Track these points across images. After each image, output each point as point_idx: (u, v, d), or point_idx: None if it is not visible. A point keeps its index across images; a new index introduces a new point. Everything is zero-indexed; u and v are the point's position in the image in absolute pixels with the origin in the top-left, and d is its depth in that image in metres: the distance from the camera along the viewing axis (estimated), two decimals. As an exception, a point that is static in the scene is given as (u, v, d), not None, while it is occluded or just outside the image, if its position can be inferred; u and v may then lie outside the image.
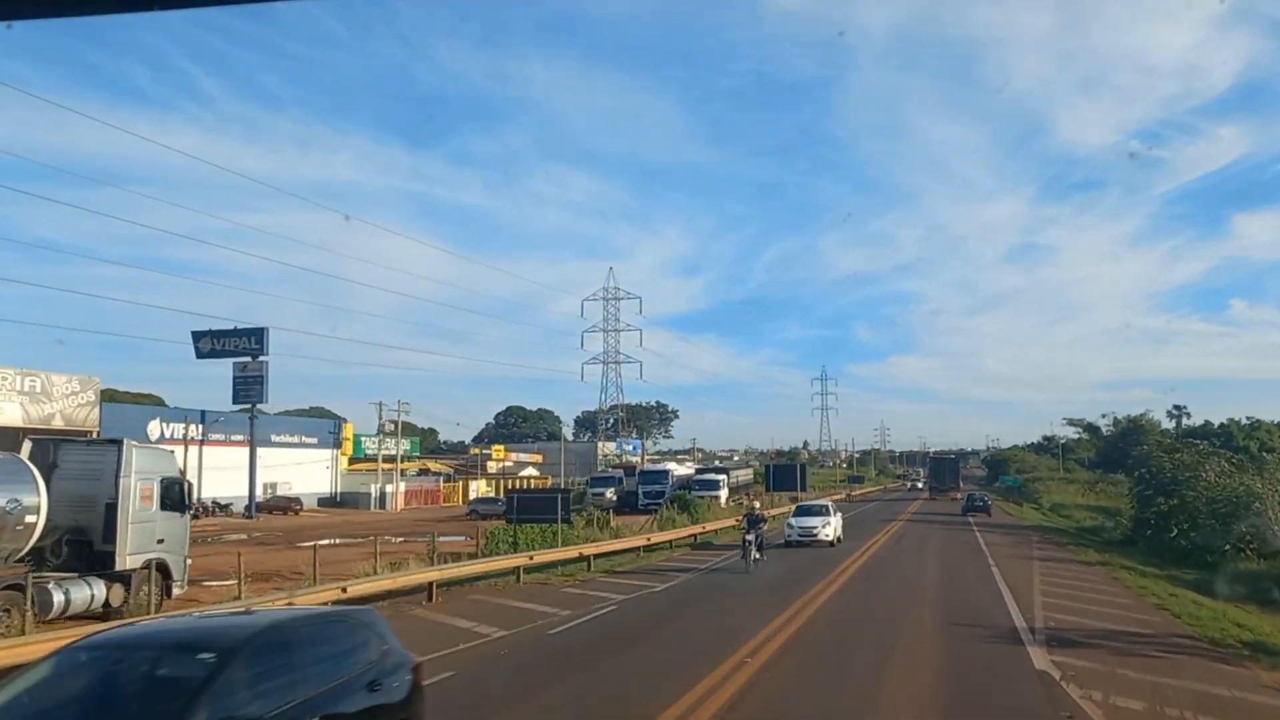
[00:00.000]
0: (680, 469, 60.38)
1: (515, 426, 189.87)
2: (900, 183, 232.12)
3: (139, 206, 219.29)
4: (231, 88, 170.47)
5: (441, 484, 68.00)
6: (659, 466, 59.02)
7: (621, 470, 60.36)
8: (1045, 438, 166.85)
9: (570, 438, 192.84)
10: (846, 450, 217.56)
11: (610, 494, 54.72)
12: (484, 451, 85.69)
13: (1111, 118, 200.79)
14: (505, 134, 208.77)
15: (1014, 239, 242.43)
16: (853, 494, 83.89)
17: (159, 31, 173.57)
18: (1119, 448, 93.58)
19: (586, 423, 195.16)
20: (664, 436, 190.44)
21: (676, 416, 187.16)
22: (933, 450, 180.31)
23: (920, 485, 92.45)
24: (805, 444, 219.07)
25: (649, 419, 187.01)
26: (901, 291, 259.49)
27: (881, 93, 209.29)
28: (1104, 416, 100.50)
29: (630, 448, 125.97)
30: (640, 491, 53.80)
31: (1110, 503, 69.14)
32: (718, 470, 59.68)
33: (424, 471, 69.51)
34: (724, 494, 53.29)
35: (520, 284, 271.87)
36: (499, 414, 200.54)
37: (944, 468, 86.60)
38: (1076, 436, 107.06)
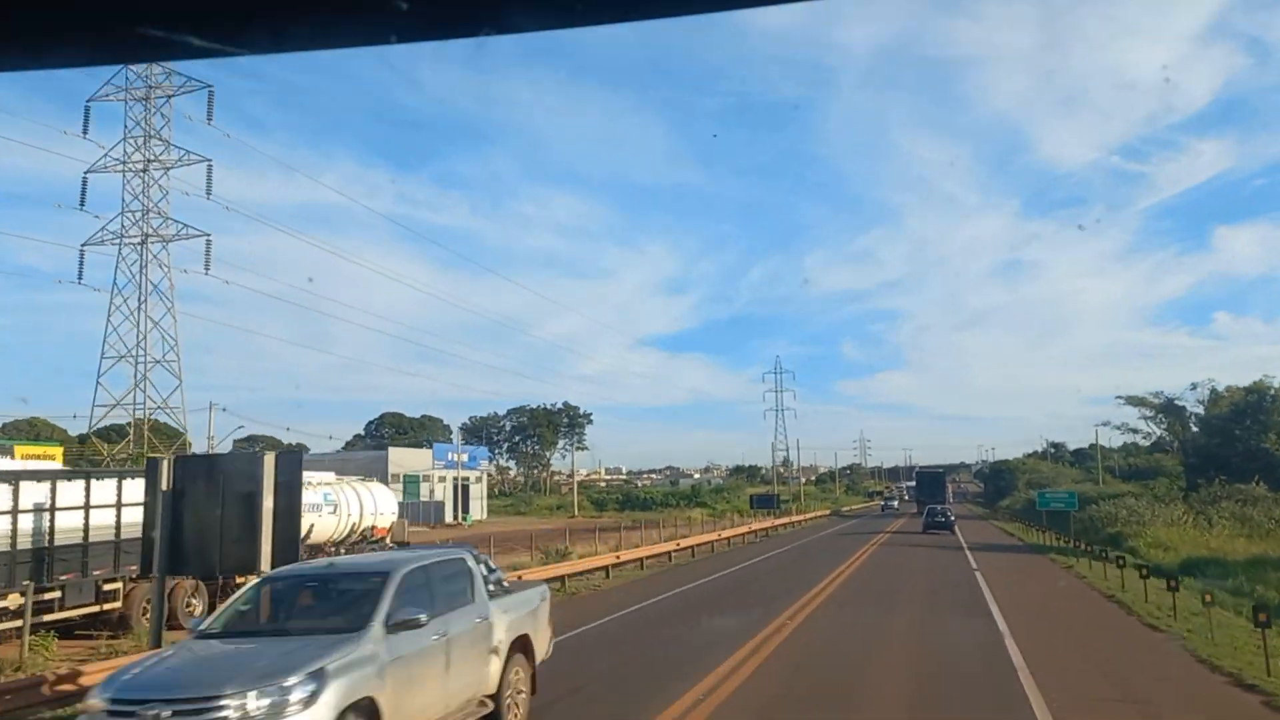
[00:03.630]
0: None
1: (388, 437, 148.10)
2: (884, 200, 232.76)
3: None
4: (216, 112, 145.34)
5: None
6: None
7: None
8: (1052, 444, 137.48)
9: (459, 443, 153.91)
10: (804, 463, 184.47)
11: None
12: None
13: (1093, 134, 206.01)
14: (490, 156, 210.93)
15: (998, 255, 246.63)
16: (739, 531, 43.34)
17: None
18: (1232, 434, 53.03)
19: (476, 430, 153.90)
20: (576, 448, 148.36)
21: (589, 421, 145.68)
22: (918, 465, 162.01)
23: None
24: (787, 460, 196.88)
25: (552, 425, 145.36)
26: (888, 309, 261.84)
27: (864, 112, 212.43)
28: (1194, 388, 60.52)
29: (468, 458, 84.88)
30: None
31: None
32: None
33: None
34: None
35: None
36: (370, 423, 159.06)
37: (931, 482, 78.51)
38: (1138, 429, 66.42)
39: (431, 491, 73.29)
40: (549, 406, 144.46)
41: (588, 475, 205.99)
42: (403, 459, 74.15)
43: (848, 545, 40.24)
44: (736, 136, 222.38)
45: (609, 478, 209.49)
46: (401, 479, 73.66)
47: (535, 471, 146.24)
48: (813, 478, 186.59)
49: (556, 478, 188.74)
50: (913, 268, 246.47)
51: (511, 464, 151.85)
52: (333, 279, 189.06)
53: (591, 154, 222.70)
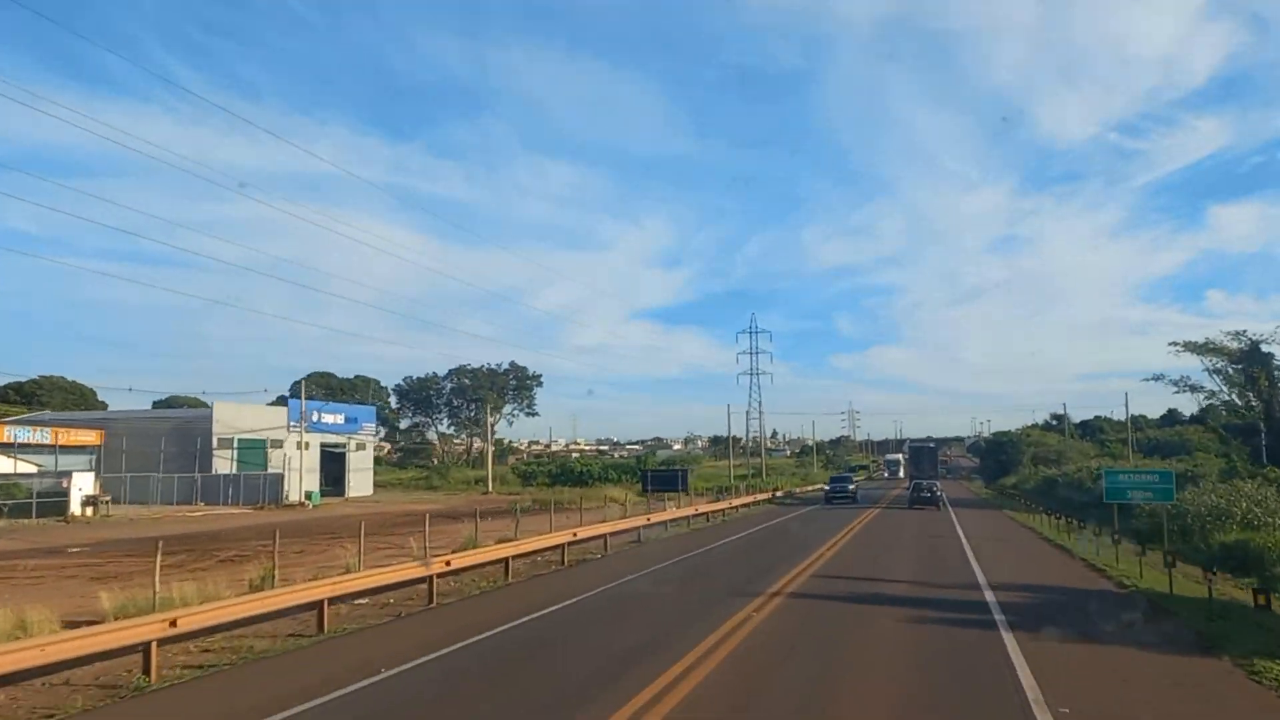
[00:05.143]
0: None
1: (313, 398, 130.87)
2: (882, 174, 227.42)
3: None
4: (209, 77, 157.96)
5: None
6: None
7: None
8: (1054, 415, 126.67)
9: (395, 406, 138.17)
10: (792, 435, 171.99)
11: None
12: None
13: (1092, 109, 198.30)
14: (486, 124, 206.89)
15: (995, 230, 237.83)
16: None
17: (136, 20, 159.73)
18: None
19: (412, 393, 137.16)
20: (525, 413, 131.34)
21: (539, 384, 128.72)
22: (908, 438, 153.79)
23: None
24: (774, 432, 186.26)
25: (497, 387, 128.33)
26: (883, 283, 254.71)
27: (863, 84, 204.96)
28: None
29: (343, 419, 68.37)
30: None
31: None
32: None
33: None
34: None
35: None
36: (295, 383, 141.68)
37: (921, 456, 77.31)
38: (1200, 387, 49.86)
39: (267, 460, 56.39)
40: (493, 366, 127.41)
41: (566, 446, 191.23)
42: (239, 419, 57.19)
43: (699, 607, 15.09)
44: (734, 108, 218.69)
45: (592, 448, 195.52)
46: (234, 444, 56.74)
47: (473, 439, 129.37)
48: (799, 450, 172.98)
49: (530, 445, 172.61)
50: (909, 243, 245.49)
51: (451, 430, 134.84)
52: (319, 246, 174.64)
53: (588, 124, 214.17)
